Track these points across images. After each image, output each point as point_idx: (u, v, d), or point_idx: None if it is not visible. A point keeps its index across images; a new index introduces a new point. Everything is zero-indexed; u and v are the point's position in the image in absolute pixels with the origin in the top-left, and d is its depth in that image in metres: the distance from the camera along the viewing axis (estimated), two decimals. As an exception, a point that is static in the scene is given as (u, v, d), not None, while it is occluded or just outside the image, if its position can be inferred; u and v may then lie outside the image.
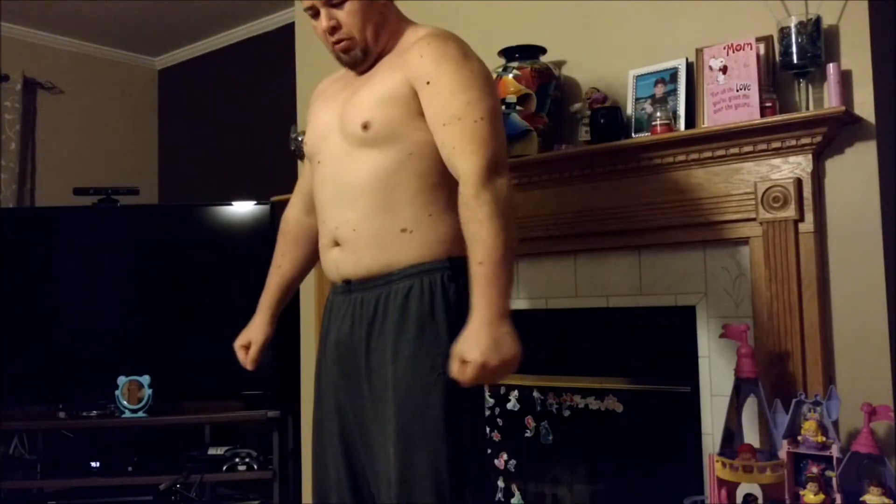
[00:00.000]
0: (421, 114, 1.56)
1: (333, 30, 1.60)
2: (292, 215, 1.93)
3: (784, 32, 1.98)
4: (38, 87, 4.28)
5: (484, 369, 1.37)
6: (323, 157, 1.67)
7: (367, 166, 1.57)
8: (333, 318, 1.68)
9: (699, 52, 2.17)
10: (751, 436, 1.97)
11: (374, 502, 1.60)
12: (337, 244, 1.62)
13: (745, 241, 2.07)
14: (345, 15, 1.58)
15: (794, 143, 1.96)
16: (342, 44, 1.61)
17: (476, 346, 1.37)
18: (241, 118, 4.27)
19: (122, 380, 3.36)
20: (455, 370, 1.40)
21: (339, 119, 1.64)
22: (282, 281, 1.92)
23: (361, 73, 1.68)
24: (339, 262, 1.62)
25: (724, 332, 1.95)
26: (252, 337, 1.88)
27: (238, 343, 1.89)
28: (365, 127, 1.56)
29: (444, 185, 1.57)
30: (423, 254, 1.56)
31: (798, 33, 1.95)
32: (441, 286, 1.54)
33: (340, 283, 1.65)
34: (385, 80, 1.58)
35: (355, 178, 1.58)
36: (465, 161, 1.48)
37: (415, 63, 1.55)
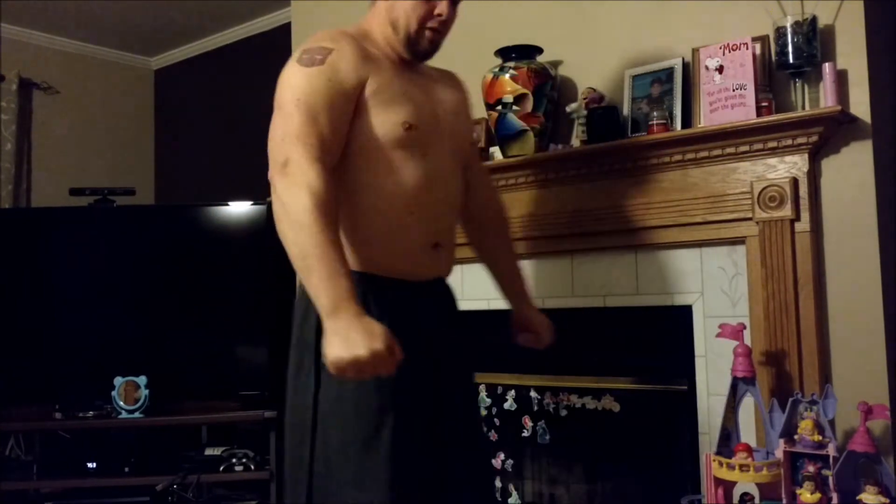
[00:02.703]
0: None
1: (445, 23, 1.64)
2: (328, 188, 1.43)
3: (780, 32, 1.98)
4: (34, 87, 4.27)
5: None
6: (434, 153, 1.62)
7: (460, 180, 1.74)
8: (418, 316, 1.62)
9: (695, 51, 2.17)
10: (747, 435, 1.97)
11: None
12: (438, 245, 1.65)
13: (741, 240, 2.08)
14: (452, 14, 1.65)
15: (790, 142, 1.96)
16: (439, 35, 1.65)
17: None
18: (237, 118, 4.26)
19: (118, 380, 3.35)
20: (534, 341, 1.91)
21: (441, 124, 1.66)
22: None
23: (410, 68, 1.67)
24: (440, 262, 1.69)
25: (721, 331, 1.95)
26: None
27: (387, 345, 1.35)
28: (473, 145, 1.79)
29: None
30: None
31: (794, 33, 1.95)
32: None
33: (425, 282, 1.66)
34: (462, 101, 1.78)
35: (458, 188, 1.73)
36: (490, 182, 1.93)
37: (464, 94, 1.81)
